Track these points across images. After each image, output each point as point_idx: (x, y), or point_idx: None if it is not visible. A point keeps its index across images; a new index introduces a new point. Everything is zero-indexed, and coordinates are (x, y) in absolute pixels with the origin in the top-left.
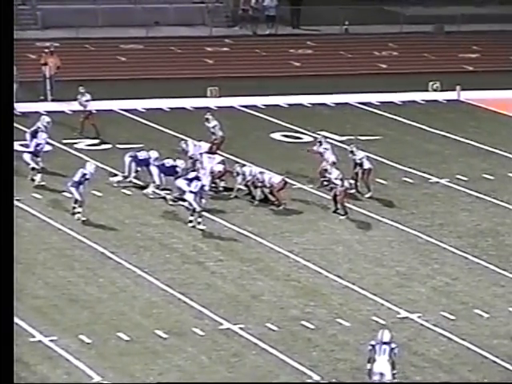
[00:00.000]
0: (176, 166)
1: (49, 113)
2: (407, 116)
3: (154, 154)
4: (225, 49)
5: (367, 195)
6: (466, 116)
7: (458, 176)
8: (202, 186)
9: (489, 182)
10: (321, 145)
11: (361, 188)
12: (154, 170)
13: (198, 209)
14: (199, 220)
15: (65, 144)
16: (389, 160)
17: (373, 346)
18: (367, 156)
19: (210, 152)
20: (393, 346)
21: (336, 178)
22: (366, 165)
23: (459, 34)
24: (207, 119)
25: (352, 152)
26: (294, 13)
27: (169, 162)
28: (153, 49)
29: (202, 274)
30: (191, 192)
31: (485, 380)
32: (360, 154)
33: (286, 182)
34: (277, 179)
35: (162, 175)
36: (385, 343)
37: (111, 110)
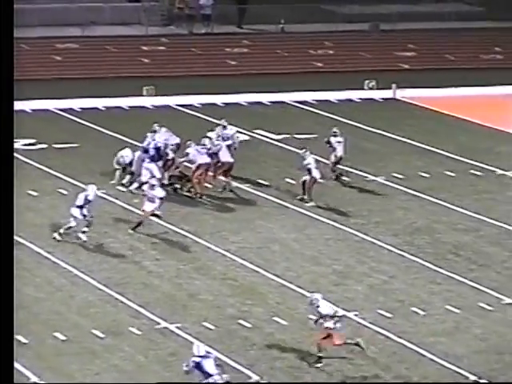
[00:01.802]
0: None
1: None
2: (343, 114)
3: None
4: (161, 48)
5: (308, 205)
6: (402, 114)
7: (395, 174)
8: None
9: (425, 180)
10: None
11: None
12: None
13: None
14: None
15: None
16: (325, 158)
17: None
18: (317, 164)
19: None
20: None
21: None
22: (313, 173)
23: (395, 32)
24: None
25: (303, 157)
26: (240, 12)
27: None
28: (89, 48)
29: (139, 274)
30: (77, 206)
31: (426, 380)
32: (309, 161)
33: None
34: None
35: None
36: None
37: (47, 110)
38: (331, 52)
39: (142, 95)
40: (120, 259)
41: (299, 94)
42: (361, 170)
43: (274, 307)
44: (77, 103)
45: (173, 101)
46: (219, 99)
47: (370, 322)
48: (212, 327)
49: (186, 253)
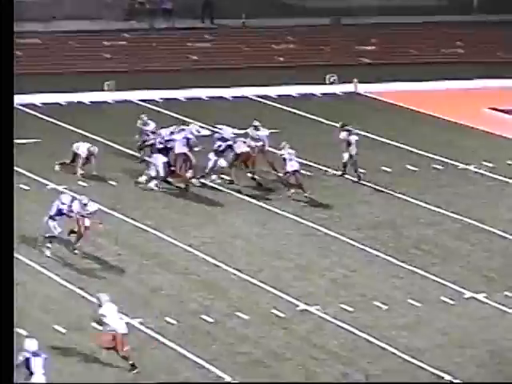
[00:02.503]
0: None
1: None
2: (305, 109)
3: None
4: (122, 43)
5: (289, 192)
6: (363, 108)
7: None
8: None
9: (387, 175)
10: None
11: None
12: None
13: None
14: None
15: None
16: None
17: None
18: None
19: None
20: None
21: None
22: (288, 165)
23: (356, 26)
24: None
25: (281, 149)
26: (207, 5)
27: None
28: (50, 43)
29: (101, 269)
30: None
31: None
32: (287, 152)
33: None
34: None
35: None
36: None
37: None
38: (293, 46)
39: (103, 90)
40: (82, 255)
41: (261, 89)
42: (322, 165)
43: (236, 302)
44: (38, 98)
45: (134, 96)
46: (181, 94)
47: (332, 317)
48: (174, 322)
49: (149, 248)
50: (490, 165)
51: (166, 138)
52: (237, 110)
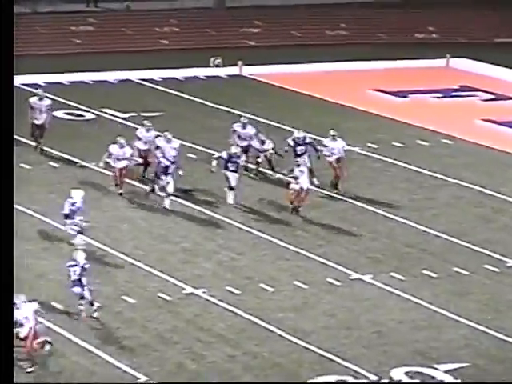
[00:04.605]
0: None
1: None
2: (189, 92)
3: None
4: None
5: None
6: (248, 91)
7: None
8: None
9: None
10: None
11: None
12: None
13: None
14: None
15: None
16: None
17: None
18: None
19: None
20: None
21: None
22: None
23: (240, 9)
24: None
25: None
26: None
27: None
28: None
29: None
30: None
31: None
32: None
33: None
34: None
35: None
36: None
37: None
38: (177, 30)
39: None
40: None
41: (145, 72)
42: (208, 148)
43: (123, 286)
44: None
45: (16, 80)
46: (64, 78)
47: (219, 299)
48: (60, 307)
49: (32, 232)
50: (375, 146)
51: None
52: (121, 94)
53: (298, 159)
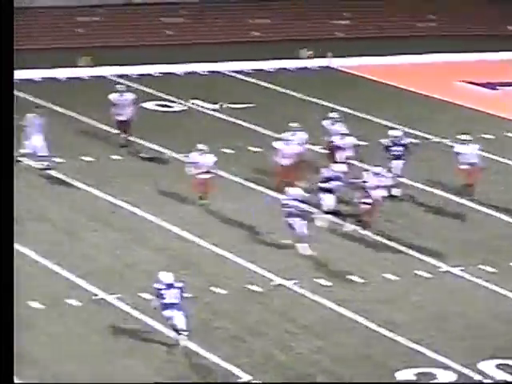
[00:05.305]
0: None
1: None
2: (279, 83)
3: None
4: (96, 18)
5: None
6: (337, 83)
7: None
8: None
9: (361, 148)
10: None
11: None
12: None
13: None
14: None
15: None
16: (261, 127)
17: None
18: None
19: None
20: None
21: None
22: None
23: (330, 0)
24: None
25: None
26: None
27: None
28: (26, 19)
29: (77, 245)
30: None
31: None
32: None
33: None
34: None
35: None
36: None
37: None
38: (268, 21)
39: (78, 66)
40: (58, 230)
41: (235, 64)
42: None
43: (212, 277)
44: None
45: (109, 71)
46: (155, 69)
47: (308, 291)
48: (149, 297)
49: (125, 224)
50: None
51: None
52: (211, 85)
53: (393, 163)
